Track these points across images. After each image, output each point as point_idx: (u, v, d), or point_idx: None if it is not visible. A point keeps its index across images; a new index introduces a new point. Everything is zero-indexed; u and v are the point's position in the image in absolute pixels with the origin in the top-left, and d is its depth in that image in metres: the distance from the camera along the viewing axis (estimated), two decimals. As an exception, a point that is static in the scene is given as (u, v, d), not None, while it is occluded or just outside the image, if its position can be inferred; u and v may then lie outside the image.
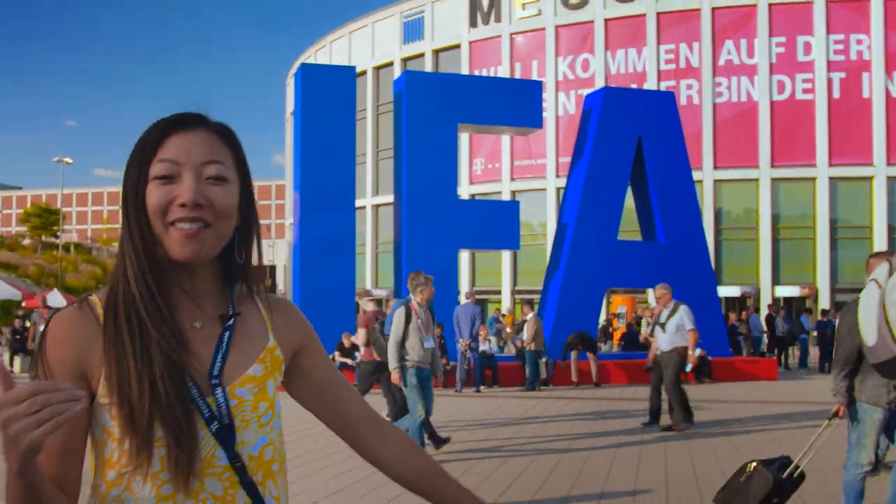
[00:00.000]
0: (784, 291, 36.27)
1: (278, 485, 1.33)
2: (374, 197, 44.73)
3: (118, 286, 1.29)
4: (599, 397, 14.05)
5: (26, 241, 68.11)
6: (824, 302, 34.95)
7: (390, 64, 44.66)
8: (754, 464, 5.16)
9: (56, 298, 30.55)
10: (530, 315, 15.66)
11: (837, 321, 5.78)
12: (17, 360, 18.93)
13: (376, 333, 9.22)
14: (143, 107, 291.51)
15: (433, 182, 16.68)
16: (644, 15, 38.55)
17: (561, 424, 10.57)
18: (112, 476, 1.22)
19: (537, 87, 18.09)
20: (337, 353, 15.15)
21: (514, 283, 40.26)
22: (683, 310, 10.07)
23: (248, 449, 1.28)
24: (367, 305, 10.95)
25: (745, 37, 37.59)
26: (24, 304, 21.67)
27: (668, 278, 17.45)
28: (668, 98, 18.84)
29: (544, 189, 39.84)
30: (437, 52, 43.45)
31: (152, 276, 1.28)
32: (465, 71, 40.47)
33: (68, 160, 54.66)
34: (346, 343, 15.25)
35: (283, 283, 74.52)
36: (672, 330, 9.99)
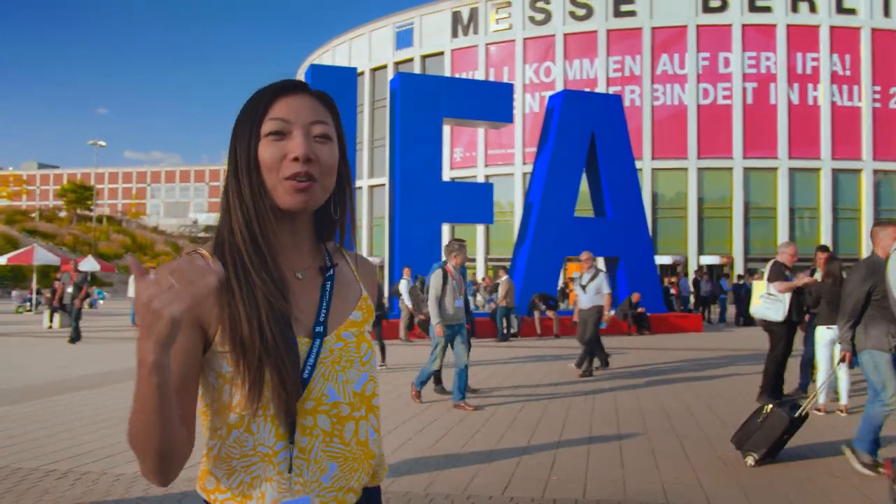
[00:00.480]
0: (707, 260, 36.44)
1: (379, 417, 1.25)
2: (369, 179, 44.27)
3: (224, 237, 1.17)
4: (559, 346, 13.97)
5: (63, 214, 66.47)
6: (739, 268, 35.22)
7: (384, 66, 43.95)
8: (771, 406, 5.05)
9: (89, 264, 29.81)
10: (504, 277, 15.51)
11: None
12: (56, 318, 18.43)
13: (416, 291, 9.09)
14: (167, 98, 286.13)
15: (421, 166, 16.38)
16: (596, 31, 38.16)
17: (533, 367, 10.47)
18: (233, 419, 1.11)
19: (509, 88, 17.79)
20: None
21: (487, 252, 40.12)
22: (602, 276, 9.78)
23: (353, 386, 1.19)
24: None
25: (678, 51, 37.34)
26: (61, 269, 21.23)
27: (615, 248, 17.52)
28: (616, 100, 18.58)
29: (512, 174, 39.57)
30: (424, 58, 42.77)
31: (258, 227, 1.15)
32: (447, 74, 39.89)
33: (102, 143, 53.11)
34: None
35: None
36: (592, 292, 9.71)
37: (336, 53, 47.78)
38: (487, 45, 40.69)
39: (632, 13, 37.72)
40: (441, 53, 41.97)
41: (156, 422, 0.99)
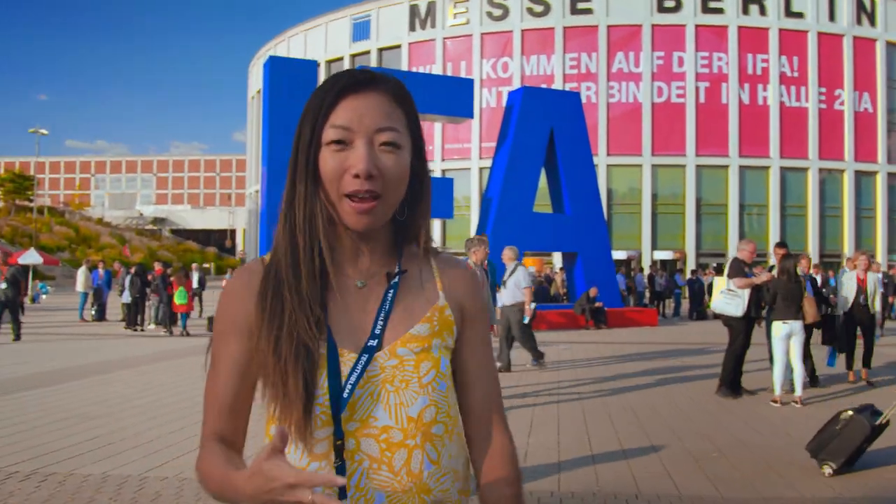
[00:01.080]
0: (660, 255, 37.22)
1: (440, 448, 1.07)
2: None
3: (279, 244, 1.11)
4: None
5: (0, 205, 63.90)
6: (691, 264, 36.05)
7: (340, 59, 43.61)
8: (850, 412, 4.80)
9: (31, 256, 28.66)
10: (462, 273, 15.60)
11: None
12: None
13: None
14: (111, 86, 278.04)
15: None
16: (554, 28, 38.53)
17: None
18: (273, 431, 1.07)
19: (469, 84, 17.86)
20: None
21: (443, 246, 40.04)
22: (521, 270, 9.62)
23: (408, 410, 1.06)
24: None
25: (633, 50, 37.96)
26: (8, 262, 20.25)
27: (573, 244, 17.77)
28: (575, 98, 18.85)
29: (469, 168, 39.72)
30: (381, 51, 42.57)
31: (306, 239, 1.08)
32: (404, 67, 39.80)
33: (44, 131, 51.16)
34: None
35: (242, 243, 73.32)
36: (511, 287, 9.57)
37: (291, 45, 47.22)
38: (445, 39, 40.71)
39: (588, 11, 38.21)
40: (398, 47, 41.84)
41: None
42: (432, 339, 1.10)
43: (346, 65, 43.20)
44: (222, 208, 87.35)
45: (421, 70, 39.46)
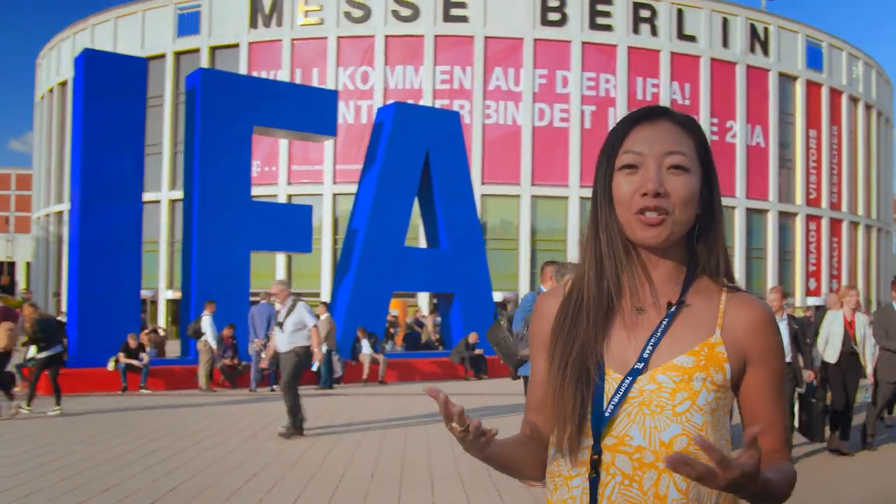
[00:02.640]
0: (540, 298, 39.04)
1: (690, 479, 1.20)
2: (171, 191, 42.30)
3: (586, 269, 1.44)
4: (387, 392, 14.69)
5: None
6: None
7: (162, 56, 42.84)
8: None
9: None
10: (324, 316, 16.02)
11: None
12: None
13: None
14: None
15: (227, 182, 16.48)
16: (423, 36, 40.05)
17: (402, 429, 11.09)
18: (553, 438, 1.45)
19: (333, 96, 18.54)
20: (121, 355, 14.62)
21: (290, 285, 40.01)
22: (302, 306, 9.47)
23: (661, 435, 1.31)
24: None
25: (513, 66, 40.13)
26: None
27: (450, 283, 18.72)
28: (454, 117, 20.00)
29: (321, 194, 40.09)
30: (213, 50, 42.32)
31: (614, 262, 1.40)
32: (243, 71, 39.75)
33: None
34: (132, 344, 14.77)
35: (25, 280, 68.71)
36: (291, 328, 9.38)
37: (96, 35, 45.75)
38: (294, 40, 41.19)
39: (463, 19, 40.12)
40: (236, 46, 41.81)
41: (514, 468, 1.51)
42: (695, 372, 1.34)
43: (169, 63, 42.66)
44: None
45: (263, 75, 39.67)
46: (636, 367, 1.35)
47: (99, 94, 15.49)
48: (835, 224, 45.44)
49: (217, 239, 16.23)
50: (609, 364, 1.38)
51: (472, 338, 17.96)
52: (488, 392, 15.02)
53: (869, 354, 8.56)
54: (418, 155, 18.50)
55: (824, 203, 44.68)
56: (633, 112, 1.43)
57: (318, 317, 13.67)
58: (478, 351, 17.95)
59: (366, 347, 16.81)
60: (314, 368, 9.56)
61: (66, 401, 11.93)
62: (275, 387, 15.29)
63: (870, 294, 48.12)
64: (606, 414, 1.34)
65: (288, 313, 9.48)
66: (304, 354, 9.45)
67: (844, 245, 45.83)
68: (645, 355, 1.35)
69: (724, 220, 1.46)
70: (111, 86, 15.63)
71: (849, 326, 8.43)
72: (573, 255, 39.44)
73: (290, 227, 17.38)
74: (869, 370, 8.60)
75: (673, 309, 1.38)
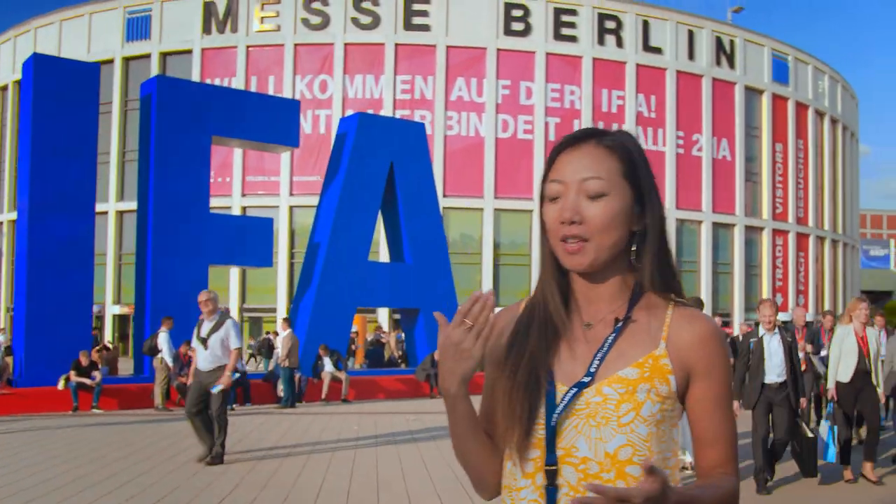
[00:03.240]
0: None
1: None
2: (119, 202, 41.73)
3: (537, 289, 1.58)
4: (353, 412, 14.74)
5: None
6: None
7: (110, 61, 42.46)
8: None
9: None
10: (286, 332, 16.04)
11: None
12: None
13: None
14: None
15: (184, 194, 16.48)
16: (384, 44, 40.28)
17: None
18: (504, 450, 1.54)
19: (295, 106, 18.66)
20: (72, 373, 14.49)
21: (242, 300, 39.87)
22: (230, 323, 8.97)
23: (606, 446, 1.40)
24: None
25: (476, 76, 40.52)
26: None
27: (415, 299, 18.85)
28: (419, 128, 20.22)
29: (277, 206, 39.97)
30: (164, 56, 42.08)
31: (553, 283, 1.53)
32: (196, 77, 39.57)
33: None
34: (84, 361, 14.65)
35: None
36: (216, 346, 8.88)
37: (39, 39, 45.19)
38: (249, 47, 41.15)
39: (425, 27, 40.45)
40: (188, 52, 41.62)
41: (466, 446, 1.53)
42: (639, 384, 1.43)
43: (118, 68, 42.28)
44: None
45: (217, 83, 39.53)
46: (582, 380, 1.44)
47: (49, 101, 15.42)
48: (801, 239, 46.47)
49: (173, 252, 16.19)
50: (558, 378, 1.47)
51: (438, 354, 18.02)
52: (440, 410, 15.09)
53: (882, 373, 8.52)
54: (382, 167, 18.66)
55: (791, 217, 45.70)
56: (562, 138, 1.54)
57: (276, 334, 13.63)
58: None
59: (328, 365, 16.85)
60: (214, 391, 8.77)
61: (14, 422, 11.81)
62: (234, 406, 15.28)
63: (836, 309, 49.23)
64: (552, 423, 1.42)
65: (214, 329, 8.88)
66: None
67: (811, 260, 46.89)
68: (592, 369, 1.44)
69: (665, 235, 1.53)
70: (62, 92, 15.57)
71: (861, 342, 8.14)
72: (537, 270, 39.92)
73: (249, 240, 17.40)
74: (881, 390, 8.47)
75: (620, 324, 1.48)
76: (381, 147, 18.64)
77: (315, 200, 39.16)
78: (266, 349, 25.17)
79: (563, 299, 1.53)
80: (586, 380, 1.43)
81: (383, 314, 38.25)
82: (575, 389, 1.43)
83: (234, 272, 38.87)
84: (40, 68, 15.57)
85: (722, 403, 1.47)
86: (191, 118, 16.60)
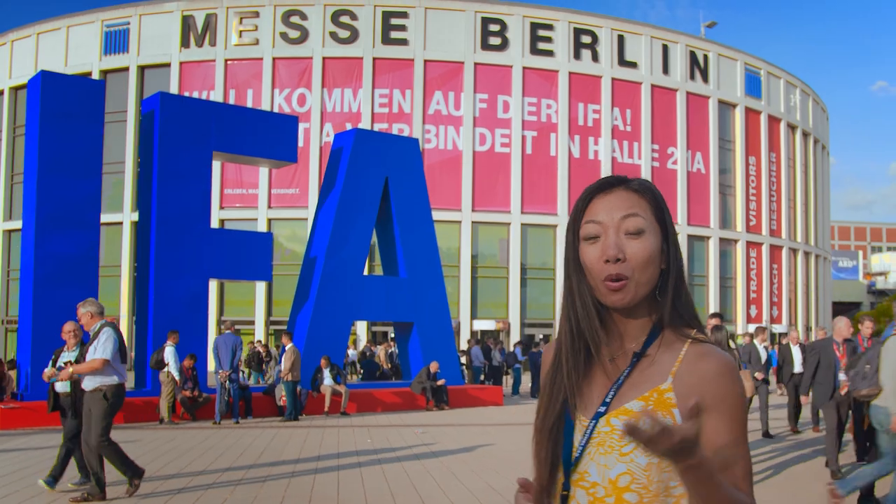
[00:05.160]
0: (480, 325, 39.94)
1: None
2: (105, 214, 41.31)
3: (561, 328, 1.67)
4: (360, 425, 15.12)
5: None
6: (515, 335, 39.03)
7: (88, 74, 42.45)
8: None
9: None
10: (289, 345, 16.37)
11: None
12: None
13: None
14: None
15: (186, 208, 16.78)
16: (362, 58, 40.77)
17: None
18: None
19: (293, 122, 19.01)
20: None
21: (269, 313, 39.97)
22: (109, 331, 7.81)
23: (609, 473, 1.51)
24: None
25: (453, 90, 41.16)
26: None
27: (409, 312, 19.26)
28: (414, 144, 20.68)
29: (255, 219, 40.21)
30: (143, 69, 42.23)
31: (595, 319, 1.61)
32: (174, 90, 39.82)
33: None
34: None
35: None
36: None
37: (16, 51, 45.14)
38: (227, 61, 41.42)
39: (403, 42, 41.03)
40: (167, 65, 41.82)
41: None
42: (640, 416, 1.49)
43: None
44: None
45: (196, 96, 39.71)
46: (599, 410, 1.56)
47: (55, 117, 15.64)
48: (774, 251, 47.61)
49: (175, 266, 16.46)
50: (580, 410, 1.60)
51: (433, 367, 18.50)
52: (450, 423, 15.54)
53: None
54: (377, 182, 19.06)
55: (764, 230, 46.83)
56: (592, 185, 1.64)
57: (262, 343, 13.85)
58: (440, 381, 18.50)
59: (327, 378, 17.20)
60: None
61: (15, 437, 12.03)
62: (239, 419, 15.59)
63: (809, 321, 50.44)
64: (576, 455, 1.56)
65: (93, 339, 7.85)
66: (115, 394, 7.74)
67: (784, 272, 48.02)
68: (607, 400, 1.56)
69: (683, 274, 1.63)
70: (68, 108, 15.82)
71: None
72: (514, 283, 40.66)
73: (249, 255, 17.71)
74: None
75: (635, 359, 1.58)
76: (376, 162, 19.03)
77: (293, 213, 40.01)
78: (255, 362, 25.45)
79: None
80: (602, 409, 1.56)
81: (361, 327, 38.62)
82: (594, 422, 1.56)
83: (213, 284, 38.94)
84: (47, 85, 15.80)
85: (731, 438, 1.50)
86: (193, 134, 16.91)
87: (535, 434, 1.64)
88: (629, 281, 1.53)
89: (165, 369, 15.07)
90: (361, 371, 23.26)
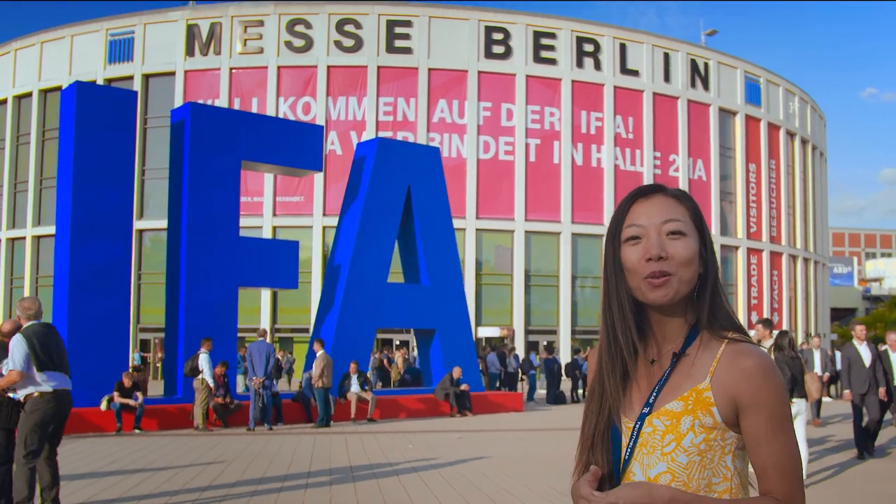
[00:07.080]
0: (486, 332, 40.10)
1: None
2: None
3: (602, 331, 1.73)
4: (388, 430, 15.32)
5: None
6: (520, 341, 39.27)
7: (93, 82, 42.50)
8: None
9: None
10: (320, 352, 16.57)
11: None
12: None
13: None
14: None
15: (215, 217, 17.01)
16: (366, 67, 41.01)
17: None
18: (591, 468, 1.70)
19: (319, 131, 19.23)
20: (116, 394, 14.87)
21: (274, 321, 40.01)
22: (14, 340, 6.94)
23: (649, 471, 1.59)
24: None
25: (457, 98, 41.42)
26: None
27: (431, 319, 19.50)
28: (435, 153, 20.93)
29: (260, 227, 40.29)
30: (147, 77, 42.35)
31: (631, 321, 1.66)
32: (179, 99, 40.00)
33: None
34: (127, 383, 15.02)
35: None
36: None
37: (20, 60, 45.22)
38: (232, 69, 41.60)
39: (407, 50, 41.29)
40: (171, 74, 41.96)
41: None
42: (683, 416, 1.58)
43: (98, 91, 42.32)
44: None
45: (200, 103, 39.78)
46: (643, 412, 1.63)
47: (90, 128, 15.86)
48: (774, 257, 48.01)
49: (205, 274, 16.67)
50: (626, 414, 1.67)
51: (456, 373, 18.73)
52: (473, 428, 15.77)
53: None
54: (400, 190, 19.30)
55: (764, 236, 47.22)
56: (631, 191, 1.72)
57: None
58: (463, 387, 18.73)
59: (354, 385, 17.41)
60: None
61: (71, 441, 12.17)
62: (272, 426, 15.77)
63: (808, 327, 50.86)
64: (625, 457, 1.64)
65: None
66: (34, 406, 6.83)
67: (784, 278, 48.41)
68: (650, 400, 1.63)
69: (719, 277, 1.69)
70: (102, 119, 16.04)
71: None
72: (519, 290, 40.89)
73: (277, 262, 17.92)
74: None
75: (675, 360, 1.64)
76: (399, 171, 19.28)
77: (298, 221, 40.07)
78: (275, 368, 25.56)
79: (639, 336, 1.69)
80: (646, 411, 1.62)
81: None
82: (639, 423, 1.62)
83: (266, 293, 38.88)
84: (82, 95, 16.01)
85: (771, 434, 1.55)
86: (222, 143, 17.13)
87: (585, 440, 1.71)
88: (672, 277, 1.60)
89: (200, 376, 15.25)
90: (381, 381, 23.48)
